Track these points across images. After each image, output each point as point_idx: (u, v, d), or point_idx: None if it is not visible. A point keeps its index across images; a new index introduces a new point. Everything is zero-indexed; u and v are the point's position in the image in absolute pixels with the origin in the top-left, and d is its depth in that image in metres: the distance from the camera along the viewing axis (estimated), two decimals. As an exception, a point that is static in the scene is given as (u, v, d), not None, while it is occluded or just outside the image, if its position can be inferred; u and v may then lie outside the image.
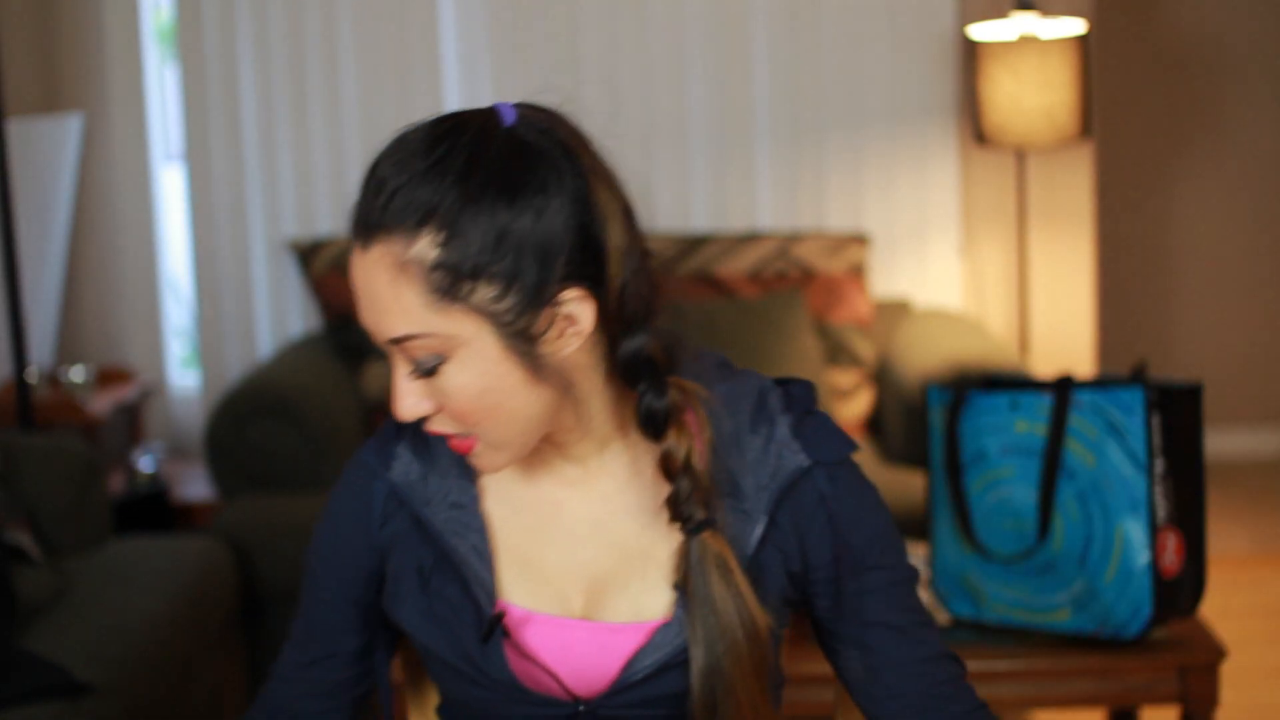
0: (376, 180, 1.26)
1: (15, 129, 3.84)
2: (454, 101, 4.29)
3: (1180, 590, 2.39)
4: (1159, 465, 2.35)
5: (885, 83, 4.24)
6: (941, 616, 2.59)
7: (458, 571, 1.37)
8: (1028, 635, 2.49)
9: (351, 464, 1.45)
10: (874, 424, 3.95)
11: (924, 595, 2.65)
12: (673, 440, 1.32)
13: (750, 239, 4.07)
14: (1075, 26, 3.88)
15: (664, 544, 1.36)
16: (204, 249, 4.36)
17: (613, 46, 4.25)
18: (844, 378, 3.92)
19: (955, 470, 2.52)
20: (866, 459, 3.67)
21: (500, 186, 1.24)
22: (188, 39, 4.30)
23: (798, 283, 3.99)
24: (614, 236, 1.28)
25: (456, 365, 1.26)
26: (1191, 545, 2.39)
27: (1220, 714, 2.70)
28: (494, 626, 1.35)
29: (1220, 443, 5.26)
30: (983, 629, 2.53)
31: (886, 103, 4.24)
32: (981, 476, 2.51)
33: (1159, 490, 2.35)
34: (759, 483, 1.34)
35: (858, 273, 4.04)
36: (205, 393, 4.34)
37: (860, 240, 4.08)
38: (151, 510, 3.78)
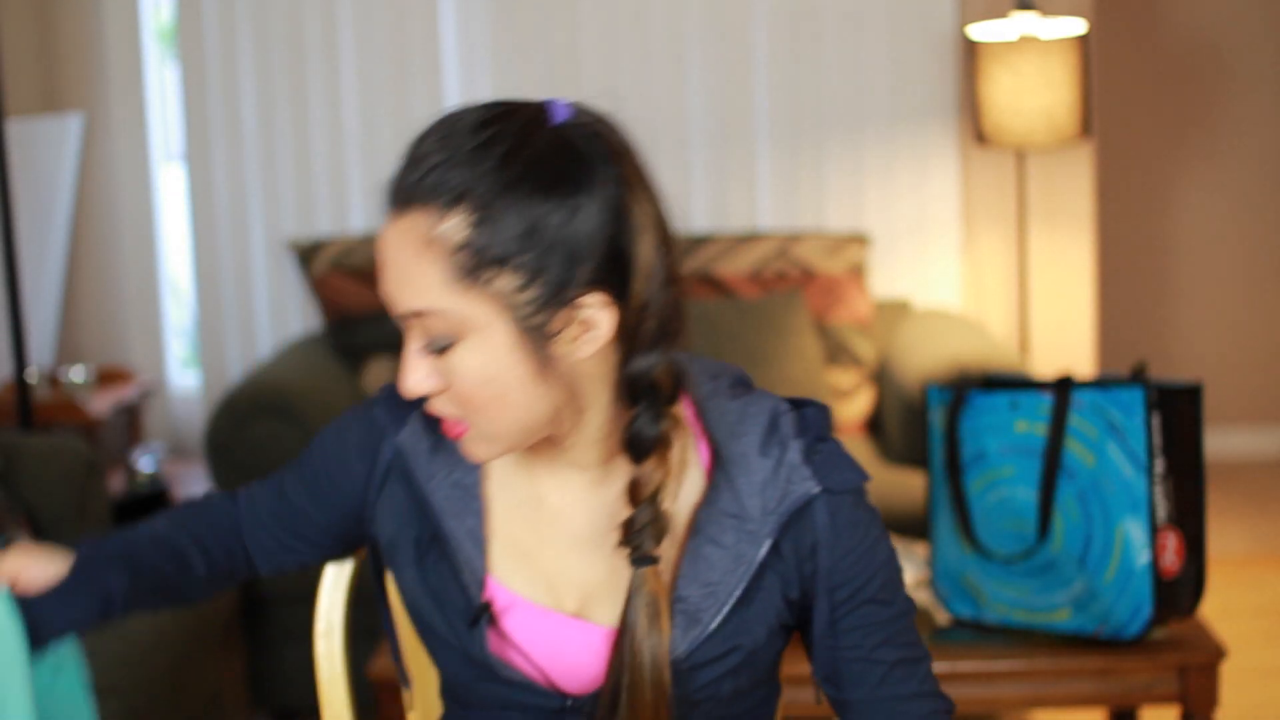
0: (418, 154, 1.25)
1: (15, 129, 3.84)
2: (454, 101, 4.29)
3: (1180, 590, 2.39)
4: (1159, 465, 2.35)
5: (885, 83, 4.24)
6: (941, 616, 2.59)
7: (450, 553, 1.37)
8: (1028, 635, 2.49)
9: (361, 413, 1.45)
10: (874, 424, 3.95)
11: (924, 595, 2.66)
12: (650, 468, 1.30)
13: (750, 239, 4.07)
14: (1075, 26, 3.88)
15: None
16: (204, 249, 4.36)
17: (613, 46, 4.25)
18: (844, 378, 3.92)
19: (955, 470, 2.52)
20: (867, 459, 3.67)
21: (538, 181, 1.23)
22: (188, 39, 4.30)
23: (798, 283, 3.99)
24: (644, 252, 1.27)
25: (467, 348, 1.24)
26: (1191, 545, 2.39)
27: (1220, 714, 2.70)
28: (480, 615, 1.35)
29: (1220, 443, 5.26)
30: (983, 629, 2.53)
31: (886, 103, 4.24)
32: (981, 476, 2.50)
33: (1159, 490, 2.35)
34: (766, 506, 1.32)
35: (858, 273, 4.04)
36: (205, 392, 4.34)
37: (860, 240, 4.08)
38: (151, 510, 3.78)
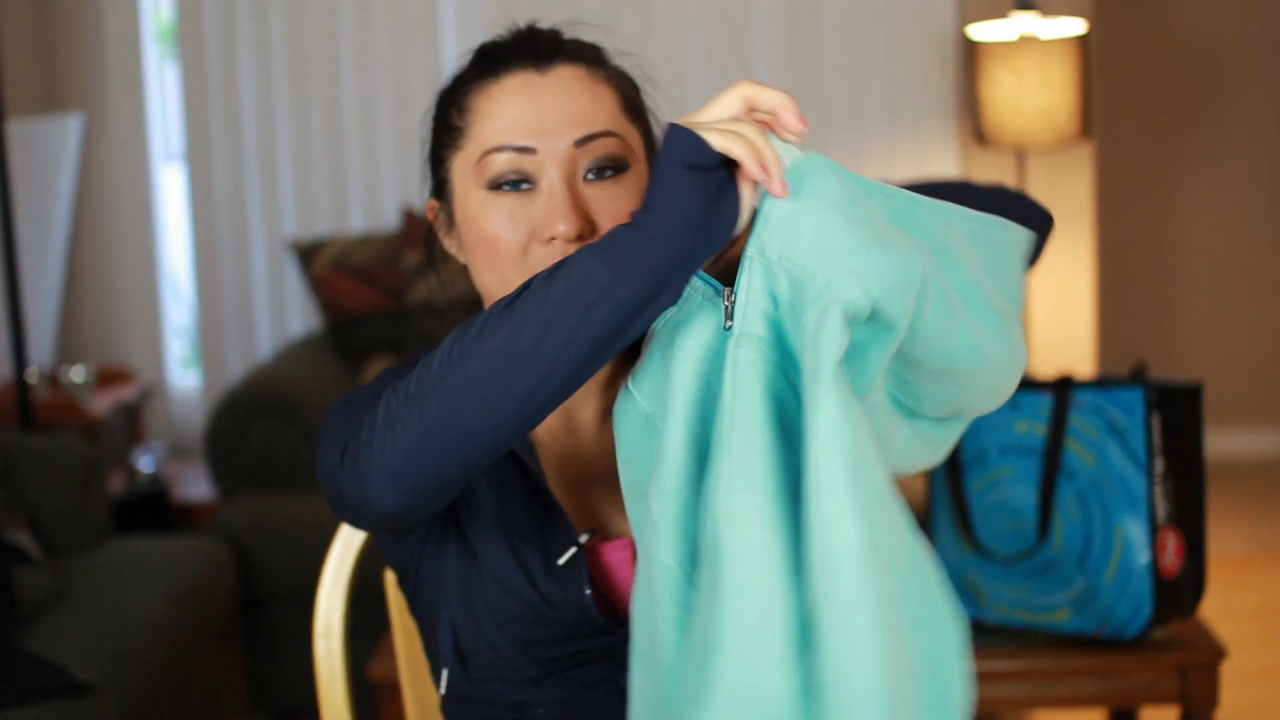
0: (538, 28, 1.41)
1: (15, 129, 3.85)
2: (454, 101, 4.30)
3: (1180, 590, 2.39)
4: (1159, 465, 2.35)
5: (885, 83, 4.24)
6: (941, 616, 2.59)
7: (536, 494, 1.35)
8: (1028, 635, 2.49)
9: None
10: (874, 424, 3.95)
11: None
12: None
13: (750, 239, 4.08)
14: (1075, 26, 3.88)
15: None
16: (204, 249, 4.36)
17: (612, 47, 4.25)
18: (844, 378, 3.92)
19: (955, 470, 2.51)
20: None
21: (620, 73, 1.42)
22: (188, 39, 4.30)
23: (798, 283, 3.98)
24: None
25: (625, 181, 1.34)
26: (1191, 545, 2.39)
27: (1220, 714, 2.70)
28: (577, 553, 1.32)
29: (1220, 443, 5.26)
30: (983, 629, 2.53)
31: (886, 103, 4.24)
32: (981, 476, 2.50)
33: (1159, 490, 2.35)
34: None
35: (858, 273, 4.04)
36: (205, 393, 4.34)
37: (860, 240, 4.08)
38: (151, 510, 3.78)
